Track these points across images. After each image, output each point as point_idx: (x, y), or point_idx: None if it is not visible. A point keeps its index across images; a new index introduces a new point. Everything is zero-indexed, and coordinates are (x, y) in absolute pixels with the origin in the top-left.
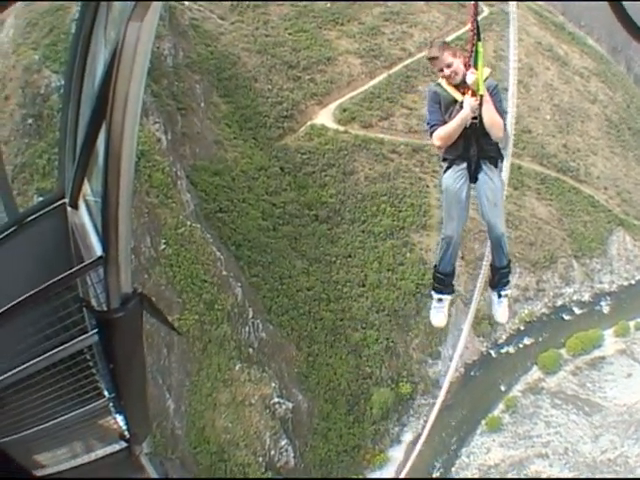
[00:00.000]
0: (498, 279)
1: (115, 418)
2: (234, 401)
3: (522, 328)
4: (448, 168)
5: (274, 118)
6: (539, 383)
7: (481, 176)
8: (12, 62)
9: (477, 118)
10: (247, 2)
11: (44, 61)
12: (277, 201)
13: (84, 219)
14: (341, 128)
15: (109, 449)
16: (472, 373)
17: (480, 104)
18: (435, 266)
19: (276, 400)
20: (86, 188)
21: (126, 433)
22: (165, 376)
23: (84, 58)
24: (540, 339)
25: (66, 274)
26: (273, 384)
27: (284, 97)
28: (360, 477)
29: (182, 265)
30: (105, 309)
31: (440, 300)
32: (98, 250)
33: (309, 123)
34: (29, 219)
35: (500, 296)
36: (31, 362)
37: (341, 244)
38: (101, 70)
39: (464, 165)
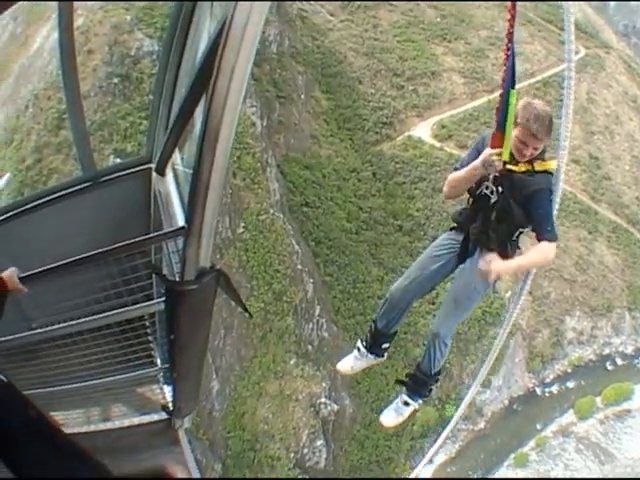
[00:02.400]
0: (415, 386)
1: (162, 388)
2: (281, 394)
3: (569, 371)
4: (450, 229)
5: (373, 123)
6: (570, 427)
7: (468, 264)
8: (99, 17)
9: (497, 194)
10: (359, 2)
11: (137, 23)
12: (364, 205)
13: (169, 187)
14: (437, 144)
15: (146, 418)
16: (515, 407)
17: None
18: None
19: (323, 400)
20: (176, 157)
21: (170, 405)
22: (216, 356)
23: (186, 29)
24: (582, 384)
25: (143, 238)
26: (324, 384)
27: (386, 104)
28: (357, 477)
29: (257, 252)
30: (177, 280)
31: (359, 350)
32: (180, 220)
33: (407, 134)
34: (108, 177)
35: (406, 403)
36: (89, 318)
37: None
38: (205, 44)
39: (460, 238)
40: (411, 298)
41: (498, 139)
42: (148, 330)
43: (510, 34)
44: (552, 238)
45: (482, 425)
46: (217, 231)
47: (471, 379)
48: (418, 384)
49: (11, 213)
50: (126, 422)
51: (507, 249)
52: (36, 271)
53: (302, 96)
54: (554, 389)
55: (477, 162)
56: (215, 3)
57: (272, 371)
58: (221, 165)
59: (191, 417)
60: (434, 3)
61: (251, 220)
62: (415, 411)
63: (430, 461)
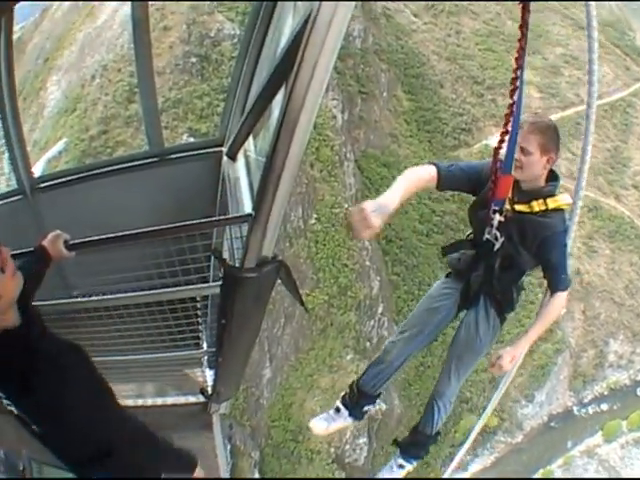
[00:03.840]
0: (413, 448)
1: (203, 372)
2: (332, 388)
3: (606, 393)
4: (447, 276)
5: (452, 127)
6: (596, 448)
7: (472, 315)
8: None
9: (501, 240)
10: (442, 5)
11: (217, 6)
12: (437, 209)
13: (239, 173)
14: None
15: (181, 399)
16: (552, 424)
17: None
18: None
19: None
20: (249, 143)
21: (208, 389)
22: (272, 344)
23: (269, 16)
24: (614, 407)
25: (208, 220)
26: None
27: (465, 110)
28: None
29: (327, 244)
30: (237, 266)
31: (338, 411)
32: (247, 207)
33: (484, 142)
34: (176, 155)
35: (401, 466)
36: (140, 293)
37: None
38: (288, 31)
39: (459, 286)
40: (407, 356)
41: (507, 184)
42: (198, 312)
43: (519, 65)
44: (567, 286)
45: (520, 439)
46: (289, 220)
47: (518, 392)
48: (416, 446)
49: (72, 177)
50: (159, 401)
51: (512, 295)
52: (89, 239)
53: (384, 94)
54: (590, 409)
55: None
56: None
57: (327, 365)
58: (295, 156)
59: (228, 403)
60: (514, 15)
61: (324, 212)
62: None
63: (465, 468)
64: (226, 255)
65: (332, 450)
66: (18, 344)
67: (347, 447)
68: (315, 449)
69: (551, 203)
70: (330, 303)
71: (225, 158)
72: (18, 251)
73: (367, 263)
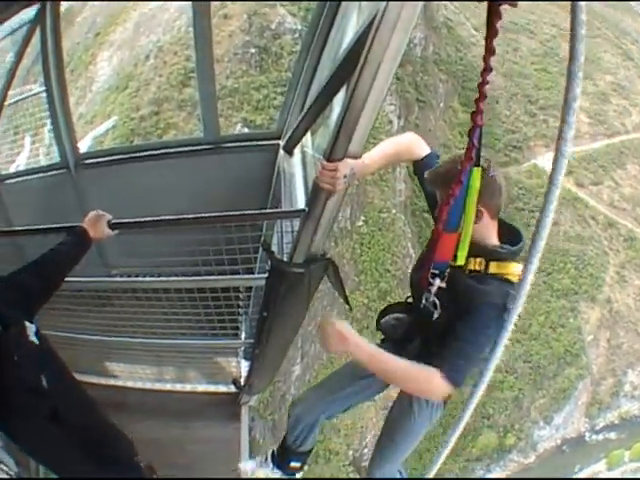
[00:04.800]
0: None
1: (238, 362)
2: None
3: (616, 422)
4: (382, 342)
5: (504, 144)
6: (597, 474)
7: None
8: None
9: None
10: (501, 21)
11: (279, 0)
12: None
13: (295, 168)
14: None
15: (211, 387)
16: (564, 448)
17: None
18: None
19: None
20: (307, 139)
21: (241, 380)
22: (306, 341)
23: (333, 15)
24: (622, 437)
25: (260, 212)
26: None
27: (518, 128)
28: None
29: (372, 248)
30: (285, 260)
31: (266, 460)
32: (300, 202)
33: (533, 161)
34: (232, 145)
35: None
36: (185, 278)
37: None
38: (352, 31)
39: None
40: (320, 416)
41: (450, 244)
42: (240, 302)
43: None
44: (452, 380)
45: (532, 459)
46: (337, 220)
47: (537, 413)
48: None
49: (121, 156)
50: (188, 387)
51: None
52: (137, 220)
53: (441, 104)
54: (600, 437)
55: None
56: None
57: None
58: (353, 157)
59: (258, 396)
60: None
61: (372, 215)
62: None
63: None
64: (275, 248)
65: (350, 452)
66: None
67: (365, 450)
68: (334, 449)
69: (493, 267)
70: (369, 307)
71: (282, 152)
72: (56, 225)
73: (409, 271)
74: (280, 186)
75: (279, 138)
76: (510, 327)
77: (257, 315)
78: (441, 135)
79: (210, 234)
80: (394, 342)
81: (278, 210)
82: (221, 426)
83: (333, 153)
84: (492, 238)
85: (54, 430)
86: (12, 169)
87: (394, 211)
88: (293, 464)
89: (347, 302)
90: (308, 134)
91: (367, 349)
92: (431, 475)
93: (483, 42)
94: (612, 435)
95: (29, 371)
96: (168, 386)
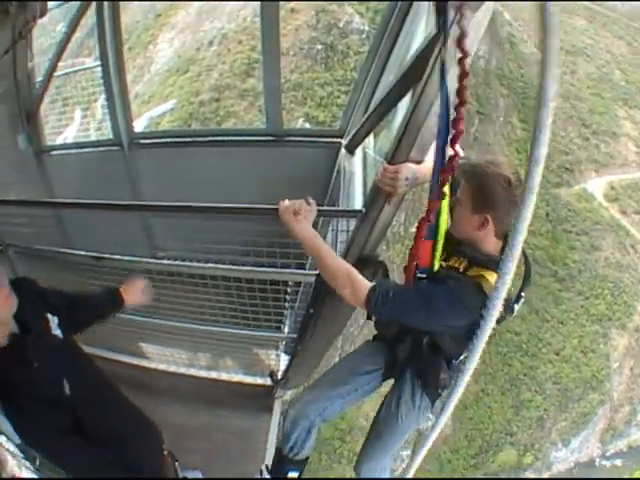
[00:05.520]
0: None
1: (278, 355)
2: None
3: (624, 450)
4: (373, 339)
5: (557, 165)
6: None
7: (395, 392)
8: None
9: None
10: (561, 43)
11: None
12: (530, 242)
13: (355, 167)
14: (604, 203)
15: (247, 379)
16: (574, 471)
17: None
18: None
19: (427, 414)
20: (369, 141)
21: (278, 374)
22: (346, 342)
23: (402, 19)
24: (627, 464)
25: (317, 208)
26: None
27: (571, 150)
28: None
29: None
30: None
31: (261, 474)
32: (358, 202)
33: (583, 185)
34: (293, 139)
35: None
36: (237, 267)
37: (561, 308)
38: (419, 39)
39: (385, 354)
40: (317, 418)
41: (426, 250)
42: (287, 296)
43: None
44: (373, 305)
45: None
46: (391, 224)
47: (557, 435)
48: None
49: (178, 139)
50: (224, 376)
51: (440, 375)
52: (187, 204)
53: (500, 118)
54: (608, 463)
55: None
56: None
57: None
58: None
59: (293, 391)
60: (622, 66)
61: None
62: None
63: None
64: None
65: None
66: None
67: None
68: (356, 451)
69: (473, 270)
70: None
71: (343, 150)
72: (102, 202)
73: None
74: (339, 184)
75: (341, 137)
76: (483, 338)
77: (303, 311)
78: (499, 150)
79: (265, 225)
80: (385, 341)
81: (335, 208)
82: (251, 417)
83: (395, 156)
84: (487, 245)
85: (73, 441)
86: (59, 141)
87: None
88: (291, 474)
89: None
90: (371, 136)
91: (318, 238)
92: (410, 475)
93: None
94: (618, 462)
95: (50, 377)
96: (202, 373)
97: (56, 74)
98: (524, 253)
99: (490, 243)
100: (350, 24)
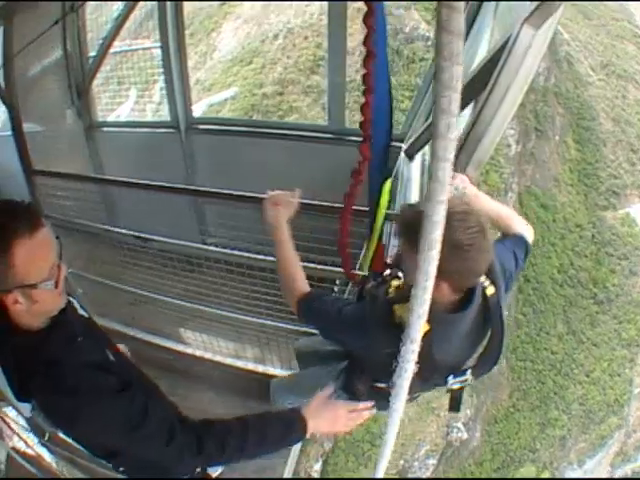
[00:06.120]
0: None
1: None
2: (427, 404)
3: (629, 474)
4: None
5: (606, 188)
6: None
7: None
8: None
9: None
10: (614, 67)
11: (414, 5)
12: (575, 262)
13: (413, 173)
14: None
15: (285, 374)
16: None
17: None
18: None
19: (459, 425)
20: (428, 148)
21: None
22: None
23: (466, 31)
24: None
25: (368, 209)
26: (468, 411)
27: (619, 174)
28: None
29: None
30: (388, 262)
31: None
32: None
33: (627, 209)
34: (354, 138)
35: None
36: None
37: (596, 331)
38: (483, 53)
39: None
40: (287, 405)
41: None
42: (334, 294)
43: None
44: (301, 310)
45: None
46: None
47: (575, 456)
48: None
49: (239, 128)
50: (260, 368)
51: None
52: (241, 193)
53: (556, 137)
54: None
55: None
56: (498, 16)
57: None
58: (471, 173)
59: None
60: None
61: None
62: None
63: None
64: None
65: (401, 462)
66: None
67: (415, 464)
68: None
69: (403, 302)
70: None
71: (402, 155)
72: (155, 182)
73: None
74: (395, 188)
75: (402, 141)
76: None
77: None
78: (553, 167)
79: (316, 221)
80: None
81: (390, 212)
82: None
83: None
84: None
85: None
86: (111, 118)
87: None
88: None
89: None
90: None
91: (285, 234)
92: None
93: (598, 83)
94: None
95: (94, 347)
96: (239, 363)
97: (112, 51)
98: (501, 319)
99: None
100: (416, 30)
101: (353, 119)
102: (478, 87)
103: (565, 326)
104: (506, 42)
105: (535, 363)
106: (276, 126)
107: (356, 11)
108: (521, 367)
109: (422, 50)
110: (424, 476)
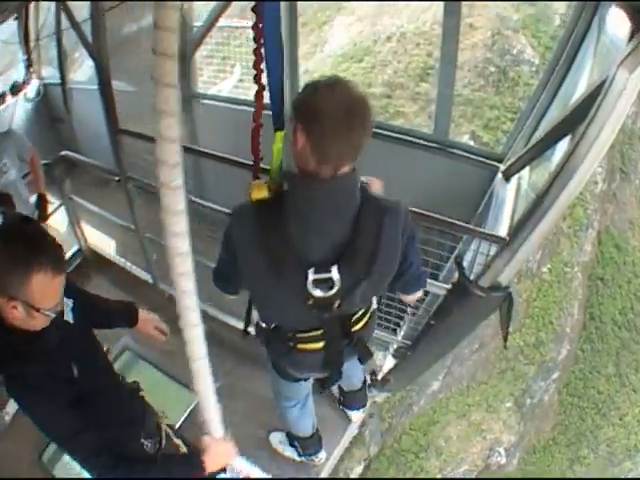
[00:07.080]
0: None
1: (385, 356)
2: (478, 425)
3: None
4: None
5: None
6: None
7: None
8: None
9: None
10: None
11: (522, 29)
12: (636, 307)
13: (507, 195)
14: None
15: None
16: None
17: None
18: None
19: (500, 450)
20: (525, 172)
21: (377, 373)
22: (455, 362)
23: (569, 62)
24: None
25: (465, 225)
26: (512, 437)
27: None
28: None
29: (547, 296)
30: (472, 279)
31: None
32: (503, 229)
33: None
34: (455, 151)
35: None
36: None
37: (639, 376)
38: (583, 85)
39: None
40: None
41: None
42: (412, 303)
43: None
44: None
45: None
46: (528, 259)
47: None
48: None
49: None
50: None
51: None
52: None
53: (637, 181)
54: None
55: None
56: (597, 54)
57: (488, 403)
58: (562, 204)
59: (387, 395)
60: None
61: (557, 266)
62: None
63: None
64: (465, 265)
65: (438, 476)
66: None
67: None
68: (427, 469)
69: None
70: (522, 350)
71: (499, 175)
72: (243, 160)
73: (567, 329)
74: (489, 207)
75: (501, 161)
76: None
77: (423, 320)
78: (630, 210)
79: None
80: None
81: (481, 230)
82: (332, 408)
83: (546, 195)
84: None
85: (75, 413)
86: (212, 91)
87: (576, 269)
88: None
89: (505, 339)
90: (527, 167)
91: None
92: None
93: None
94: None
95: (60, 363)
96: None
97: (219, 25)
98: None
99: None
100: (522, 54)
101: (456, 132)
102: (577, 119)
103: (614, 368)
104: (604, 81)
105: (581, 400)
106: (380, 126)
107: (468, 27)
108: (569, 402)
109: (527, 74)
110: None
